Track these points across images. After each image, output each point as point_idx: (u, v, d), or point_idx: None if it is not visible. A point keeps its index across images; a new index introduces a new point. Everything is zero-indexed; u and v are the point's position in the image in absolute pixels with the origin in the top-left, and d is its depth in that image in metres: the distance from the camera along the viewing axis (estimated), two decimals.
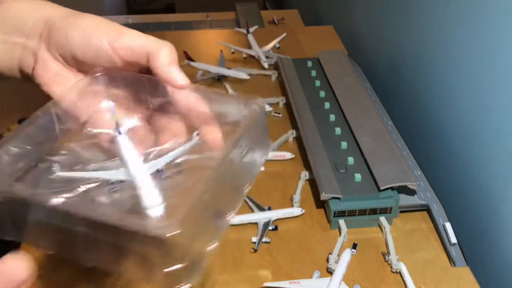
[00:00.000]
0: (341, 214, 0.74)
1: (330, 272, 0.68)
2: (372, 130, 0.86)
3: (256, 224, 0.75)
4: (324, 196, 0.73)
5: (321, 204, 0.78)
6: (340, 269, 0.65)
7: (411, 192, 0.78)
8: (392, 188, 0.75)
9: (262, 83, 1.12)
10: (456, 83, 0.85)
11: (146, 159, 0.38)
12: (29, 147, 0.37)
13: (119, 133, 0.38)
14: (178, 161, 0.38)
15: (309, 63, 1.10)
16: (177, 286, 0.30)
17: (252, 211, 0.76)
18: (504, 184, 0.73)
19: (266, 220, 0.74)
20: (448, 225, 0.73)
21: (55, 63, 0.39)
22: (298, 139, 0.92)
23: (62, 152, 0.39)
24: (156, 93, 0.40)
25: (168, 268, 0.29)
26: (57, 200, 0.31)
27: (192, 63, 1.12)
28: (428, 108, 0.96)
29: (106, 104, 0.41)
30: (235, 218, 0.74)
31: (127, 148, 0.38)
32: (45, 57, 0.39)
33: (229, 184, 0.36)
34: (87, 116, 0.40)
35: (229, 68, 1.13)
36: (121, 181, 0.36)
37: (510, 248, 0.71)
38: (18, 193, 0.32)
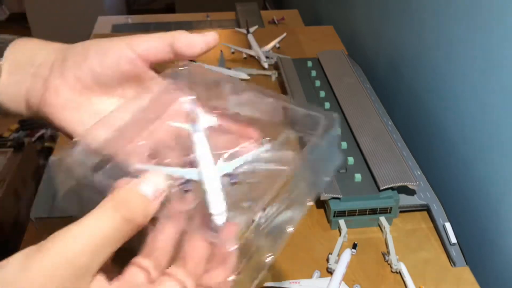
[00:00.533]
0: (341, 214, 0.74)
1: (330, 272, 0.68)
2: (372, 130, 0.86)
3: None
4: (324, 196, 0.73)
5: (321, 204, 0.78)
6: (340, 269, 0.65)
7: (411, 192, 0.78)
8: (392, 188, 0.75)
9: (262, 83, 1.12)
10: (456, 83, 0.85)
11: (217, 160, 0.37)
12: None
13: (197, 130, 0.38)
14: (247, 167, 0.37)
15: (309, 63, 1.10)
16: None
17: None
18: (504, 184, 0.73)
19: None
20: (448, 225, 0.73)
21: (67, 89, 0.38)
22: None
23: (140, 143, 0.38)
24: (231, 94, 0.40)
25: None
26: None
27: (192, 63, 1.11)
28: (428, 108, 0.96)
29: (186, 99, 0.40)
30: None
31: (202, 146, 0.37)
32: (57, 83, 0.38)
33: (294, 197, 0.36)
34: (167, 108, 0.40)
35: (229, 68, 1.13)
36: (193, 180, 0.36)
37: (510, 248, 0.71)
38: (97, 183, 0.33)
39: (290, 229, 0.35)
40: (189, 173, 0.36)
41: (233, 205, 0.33)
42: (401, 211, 0.77)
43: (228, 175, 0.36)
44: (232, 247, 0.29)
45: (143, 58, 0.37)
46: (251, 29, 1.30)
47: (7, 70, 0.39)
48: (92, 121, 0.38)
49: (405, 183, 0.75)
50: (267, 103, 0.39)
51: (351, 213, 0.74)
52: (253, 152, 0.37)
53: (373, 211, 0.74)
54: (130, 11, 2.85)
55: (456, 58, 0.84)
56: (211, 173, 0.35)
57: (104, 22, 1.56)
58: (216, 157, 0.37)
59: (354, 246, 0.71)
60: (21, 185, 1.46)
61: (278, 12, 1.63)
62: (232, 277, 0.30)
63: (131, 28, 1.51)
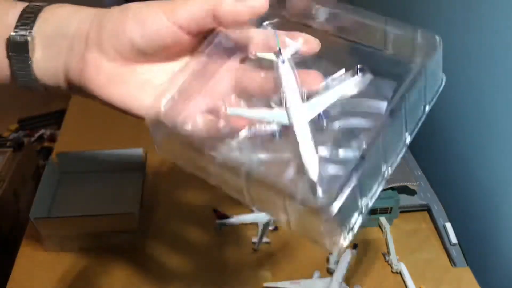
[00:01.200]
0: None
1: (330, 272, 0.68)
2: None
3: (256, 224, 0.74)
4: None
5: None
6: (340, 270, 0.65)
7: (411, 192, 0.78)
8: (392, 188, 0.75)
9: None
10: (457, 83, 0.84)
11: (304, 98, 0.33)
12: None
13: (282, 61, 0.33)
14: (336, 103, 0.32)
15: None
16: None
17: (252, 211, 0.76)
18: (504, 184, 0.72)
19: (266, 220, 0.74)
20: (448, 225, 0.73)
21: (108, 63, 0.36)
22: None
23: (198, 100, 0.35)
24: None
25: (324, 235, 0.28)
26: (219, 152, 0.30)
27: None
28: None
29: (266, 28, 0.37)
30: (235, 219, 0.74)
31: (288, 81, 0.33)
32: (97, 57, 0.36)
33: (390, 144, 0.32)
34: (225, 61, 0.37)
35: None
36: (283, 125, 0.32)
37: (511, 248, 0.71)
38: (186, 133, 0.32)
39: (387, 172, 0.32)
40: (279, 116, 0.32)
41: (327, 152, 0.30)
42: (401, 212, 0.77)
43: (320, 116, 0.32)
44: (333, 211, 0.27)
45: (183, 28, 0.35)
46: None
47: (39, 44, 0.37)
48: (141, 92, 0.36)
49: (406, 183, 0.75)
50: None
51: None
52: (346, 83, 0.32)
53: (374, 211, 0.74)
54: None
55: (457, 58, 0.84)
56: (301, 114, 0.32)
57: None
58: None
59: (355, 247, 0.71)
60: (21, 185, 1.46)
61: None
62: None
63: None
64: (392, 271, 0.68)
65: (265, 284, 0.66)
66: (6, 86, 0.39)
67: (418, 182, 0.76)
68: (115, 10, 0.36)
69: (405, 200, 0.77)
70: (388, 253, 0.70)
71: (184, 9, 0.34)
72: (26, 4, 0.39)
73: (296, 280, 0.66)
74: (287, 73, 0.33)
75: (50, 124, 1.97)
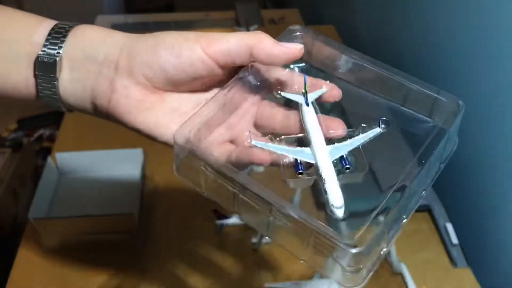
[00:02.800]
0: None
1: None
2: None
3: None
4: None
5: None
6: None
7: None
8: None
9: None
10: (458, 83, 0.84)
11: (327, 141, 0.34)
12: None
13: (307, 104, 0.35)
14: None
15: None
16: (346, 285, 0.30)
17: None
18: (505, 184, 0.72)
19: None
20: (449, 226, 0.73)
21: (138, 89, 0.36)
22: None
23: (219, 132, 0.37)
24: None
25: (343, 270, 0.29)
26: (250, 180, 0.31)
27: None
28: None
29: (296, 71, 0.38)
30: (235, 219, 0.74)
31: (313, 122, 0.34)
32: (126, 83, 0.36)
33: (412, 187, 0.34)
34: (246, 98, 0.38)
35: None
36: (308, 164, 0.34)
37: (511, 249, 0.71)
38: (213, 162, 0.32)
39: (405, 220, 0.33)
40: (304, 155, 0.34)
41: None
42: None
43: (342, 159, 0.34)
44: (355, 249, 0.28)
45: (218, 62, 0.35)
46: (251, 28, 1.29)
47: (67, 65, 0.37)
48: (168, 120, 0.36)
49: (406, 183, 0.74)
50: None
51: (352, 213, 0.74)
52: (364, 134, 0.34)
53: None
54: (130, 10, 2.84)
55: (457, 58, 0.83)
56: (325, 156, 0.33)
57: (103, 21, 1.55)
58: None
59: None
60: (20, 185, 1.45)
61: (278, 12, 1.63)
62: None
63: (131, 28, 1.50)
64: (392, 272, 0.68)
65: (266, 285, 0.66)
66: (32, 102, 0.39)
67: None
68: (149, 38, 0.36)
69: None
70: (389, 253, 0.70)
71: (222, 44, 0.35)
72: (54, 22, 0.38)
73: (297, 280, 0.66)
74: (311, 115, 0.34)
75: (49, 124, 1.97)
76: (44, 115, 2.01)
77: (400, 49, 1.08)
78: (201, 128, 0.35)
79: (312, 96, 0.36)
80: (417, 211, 0.77)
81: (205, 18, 1.61)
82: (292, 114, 0.37)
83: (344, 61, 0.39)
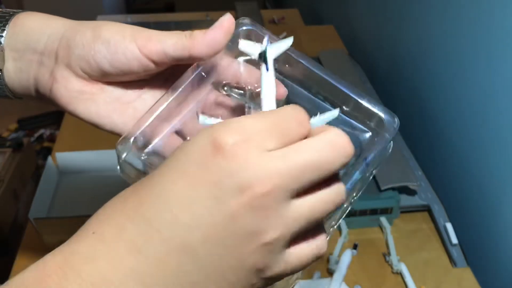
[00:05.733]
0: None
1: (330, 272, 0.67)
2: None
3: None
4: None
5: None
6: (340, 270, 0.65)
7: (412, 192, 0.77)
8: (393, 189, 0.74)
9: None
10: (458, 83, 0.84)
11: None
12: None
13: (267, 69, 0.33)
14: None
15: None
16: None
17: None
18: (505, 184, 0.72)
19: None
20: (449, 226, 0.73)
21: (77, 80, 0.36)
22: None
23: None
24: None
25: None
26: None
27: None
28: (429, 107, 0.96)
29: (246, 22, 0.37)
30: None
31: (271, 90, 0.32)
32: (66, 74, 0.36)
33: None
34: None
35: None
36: None
37: (511, 249, 0.71)
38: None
39: (332, 229, 0.34)
40: None
41: None
42: (402, 212, 0.76)
43: None
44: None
45: (155, 62, 0.35)
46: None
47: (10, 55, 0.37)
48: (109, 110, 0.37)
49: (406, 183, 0.74)
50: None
51: (352, 213, 0.74)
52: (325, 115, 0.32)
53: (374, 212, 0.74)
54: (130, 10, 2.85)
55: (458, 58, 0.83)
56: None
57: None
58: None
59: (355, 247, 0.71)
60: (20, 185, 1.45)
61: (278, 12, 1.63)
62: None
63: None
64: (392, 272, 0.68)
65: None
66: None
67: (418, 182, 0.75)
68: (87, 31, 0.36)
69: (406, 200, 0.76)
70: (389, 253, 0.70)
71: (158, 45, 0.34)
72: None
73: None
74: (269, 82, 0.33)
75: (49, 124, 1.97)
76: (45, 115, 2.01)
77: (400, 49, 1.08)
78: (145, 129, 0.35)
79: (271, 53, 0.34)
80: (417, 211, 0.78)
81: (205, 18, 1.61)
82: (240, 106, 0.38)
83: (292, 63, 0.39)
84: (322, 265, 0.69)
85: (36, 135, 1.91)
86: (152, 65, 0.35)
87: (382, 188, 0.74)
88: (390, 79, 1.13)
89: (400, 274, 0.68)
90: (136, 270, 0.25)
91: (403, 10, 1.05)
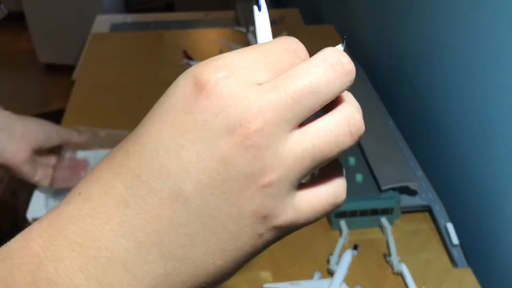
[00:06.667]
0: (342, 214, 0.73)
1: (331, 273, 0.67)
2: (373, 130, 0.86)
3: None
4: None
5: None
6: (341, 270, 0.65)
7: (412, 192, 0.77)
8: (393, 189, 0.74)
9: None
10: (459, 83, 0.84)
11: None
12: None
13: (259, 8, 0.30)
14: None
15: None
16: None
17: None
18: (506, 184, 0.72)
19: None
20: (450, 226, 0.72)
21: None
22: None
23: None
24: None
25: None
26: None
27: (192, 63, 1.11)
28: (430, 107, 0.95)
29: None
30: None
31: (266, 30, 0.29)
32: None
33: None
34: None
35: None
36: None
37: None
38: None
39: None
40: None
41: None
42: (402, 212, 0.76)
43: None
44: None
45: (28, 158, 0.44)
46: (251, 28, 1.29)
47: None
48: None
49: (407, 184, 0.74)
50: None
51: (352, 213, 0.73)
52: None
53: (374, 212, 0.74)
54: (129, 9, 2.84)
55: (458, 58, 0.83)
56: None
57: (103, 21, 1.55)
58: None
59: (355, 247, 0.71)
60: (19, 185, 1.45)
61: (278, 11, 1.62)
62: None
63: (130, 27, 1.50)
64: (393, 272, 0.68)
65: (265, 285, 0.65)
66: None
67: (419, 183, 0.75)
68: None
69: (406, 200, 0.76)
70: (389, 253, 0.70)
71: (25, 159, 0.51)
72: None
73: (297, 280, 0.66)
74: (263, 22, 0.30)
75: None
76: (44, 115, 2.01)
77: (400, 49, 1.08)
78: None
79: None
80: (417, 211, 0.77)
81: (205, 18, 1.61)
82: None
83: None
84: (323, 265, 0.69)
85: None
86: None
87: (383, 188, 0.73)
88: (390, 79, 1.13)
89: (400, 274, 0.68)
90: (126, 226, 0.23)
91: (404, 10, 1.05)
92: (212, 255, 0.24)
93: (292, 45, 0.25)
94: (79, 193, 0.24)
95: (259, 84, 0.23)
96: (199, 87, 0.23)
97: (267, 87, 0.23)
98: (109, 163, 0.25)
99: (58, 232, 0.23)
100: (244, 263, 0.25)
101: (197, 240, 0.23)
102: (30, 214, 0.71)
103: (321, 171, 0.26)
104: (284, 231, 0.25)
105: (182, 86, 0.24)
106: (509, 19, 0.68)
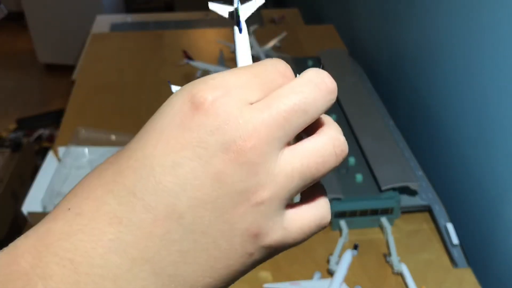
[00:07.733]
0: (342, 214, 0.73)
1: (331, 273, 0.67)
2: (374, 130, 0.86)
3: None
4: None
5: None
6: (341, 270, 0.65)
7: (412, 192, 0.77)
8: (393, 189, 0.74)
9: None
10: (459, 83, 0.84)
11: None
12: None
13: (240, 30, 0.30)
14: None
15: (310, 62, 1.09)
16: None
17: None
18: (506, 184, 0.72)
19: None
20: (450, 226, 0.72)
21: None
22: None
23: None
24: None
25: None
26: None
27: (191, 62, 1.11)
28: (430, 107, 0.95)
29: None
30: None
31: (246, 51, 0.29)
32: None
33: None
34: None
35: (229, 67, 1.12)
36: None
37: None
38: None
39: None
40: None
41: None
42: (402, 212, 0.76)
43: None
44: None
45: None
46: (251, 28, 1.29)
47: None
48: None
49: (407, 184, 0.74)
50: None
51: (352, 213, 0.73)
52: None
53: (374, 212, 0.74)
54: (129, 9, 2.84)
55: (459, 58, 0.83)
56: None
57: (103, 21, 1.55)
58: None
59: (355, 247, 0.71)
60: (19, 185, 1.45)
61: (278, 11, 1.62)
62: None
63: (130, 27, 1.50)
64: (393, 272, 0.68)
65: (265, 285, 0.65)
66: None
67: (419, 183, 0.75)
68: None
69: (406, 200, 0.76)
70: (389, 253, 0.70)
71: None
72: None
73: (296, 280, 0.66)
74: (243, 43, 0.30)
75: (48, 124, 1.96)
76: (44, 115, 2.01)
77: (400, 49, 1.08)
78: None
79: (244, 13, 0.32)
80: (417, 211, 0.77)
81: (205, 18, 1.61)
82: None
83: None
84: (323, 265, 0.69)
85: (35, 135, 1.91)
86: None
87: (383, 188, 0.73)
88: (390, 79, 1.13)
89: (400, 274, 0.68)
90: (119, 242, 0.23)
91: (404, 9, 1.05)
92: (202, 272, 0.24)
93: (280, 66, 0.26)
94: (69, 209, 0.24)
95: (252, 103, 0.24)
96: (196, 105, 0.23)
97: (259, 106, 0.24)
98: (100, 179, 0.25)
99: (47, 248, 0.23)
100: (232, 281, 0.25)
101: (188, 257, 0.23)
102: (25, 208, 0.71)
103: (305, 192, 0.27)
104: (272, 251, 0.26)
105: (179, 103, 0.24)
106: (509, 19, 0.68)
